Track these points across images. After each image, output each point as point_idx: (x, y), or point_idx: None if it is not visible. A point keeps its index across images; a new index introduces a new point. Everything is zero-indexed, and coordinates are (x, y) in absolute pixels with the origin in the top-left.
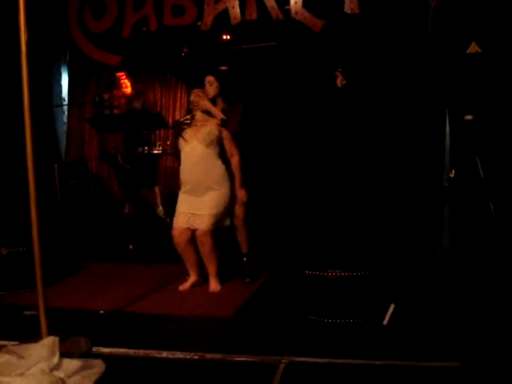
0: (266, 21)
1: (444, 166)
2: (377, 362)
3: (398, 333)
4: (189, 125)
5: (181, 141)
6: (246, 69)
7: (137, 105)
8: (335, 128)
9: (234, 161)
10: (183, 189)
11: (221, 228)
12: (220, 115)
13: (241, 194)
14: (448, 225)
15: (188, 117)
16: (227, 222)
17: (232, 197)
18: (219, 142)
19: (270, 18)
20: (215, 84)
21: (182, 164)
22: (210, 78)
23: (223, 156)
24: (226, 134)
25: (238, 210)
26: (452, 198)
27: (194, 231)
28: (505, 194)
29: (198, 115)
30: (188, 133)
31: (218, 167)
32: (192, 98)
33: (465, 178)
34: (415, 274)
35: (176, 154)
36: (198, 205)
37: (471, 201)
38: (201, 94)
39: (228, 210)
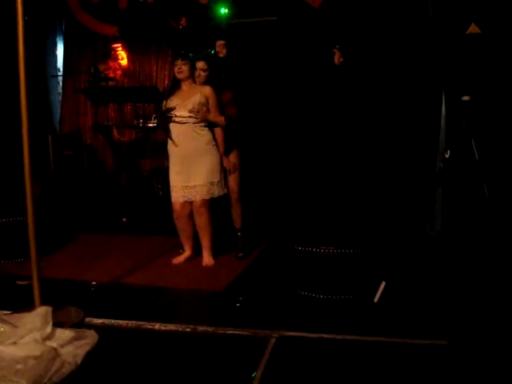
0: None
1: (439, 146)
2: (366, 338)
3: (388, 310)
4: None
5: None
6: (243, 43)
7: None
8: (331, 106)
9: (217, 129)
10: (172, 160)
11: (216, 202)
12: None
13: (225, 162)
14: (441, 205)
15: (173, 107)
16: (222, 191)
17: (223, 166)
18: (206, 110)
19: None
20: (208, 71)
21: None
22: (201, 64)
23: (210, 124)
24: (211, 100)
25: (232, 185)
26: (446, 178)
27: (191, 204)
28: (499, 176)
29: (186, 85)
30: (175, 103)
31: (205, 136)
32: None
33: (459, 159)
34: (407, 253)
35: (164, 126)
36: (189, 177)
37: (465, 182)
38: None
39: (221, 178)
